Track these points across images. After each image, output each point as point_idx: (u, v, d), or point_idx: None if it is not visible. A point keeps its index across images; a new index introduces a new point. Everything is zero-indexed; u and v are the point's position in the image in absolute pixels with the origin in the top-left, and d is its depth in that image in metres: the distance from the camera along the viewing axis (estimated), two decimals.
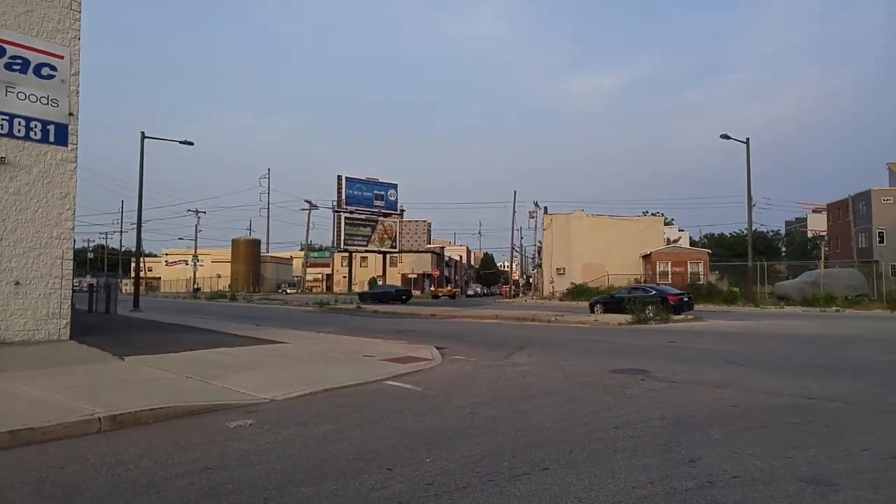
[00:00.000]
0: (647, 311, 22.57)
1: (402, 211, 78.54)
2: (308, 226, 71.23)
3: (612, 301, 28.83)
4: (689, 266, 48.23)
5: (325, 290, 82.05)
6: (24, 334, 12.49)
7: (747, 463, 5.18)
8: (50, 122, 12.99)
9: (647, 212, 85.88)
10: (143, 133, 29.96)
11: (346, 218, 70.04)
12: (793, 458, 5.33)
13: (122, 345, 12.69)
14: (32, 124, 12.75)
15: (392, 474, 5.01)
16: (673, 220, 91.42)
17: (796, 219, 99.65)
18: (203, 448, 5.94)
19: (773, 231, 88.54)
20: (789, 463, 5.20)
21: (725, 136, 38.35)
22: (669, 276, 47.45)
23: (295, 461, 5.47)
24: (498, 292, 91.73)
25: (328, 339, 16.56)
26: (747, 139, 39.06)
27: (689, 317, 25.39)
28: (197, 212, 77.08)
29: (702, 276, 47.18)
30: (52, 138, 13.02)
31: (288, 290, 79.10)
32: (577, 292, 48.26)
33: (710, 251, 53.60)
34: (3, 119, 12.32)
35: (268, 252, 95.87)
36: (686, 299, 28.23)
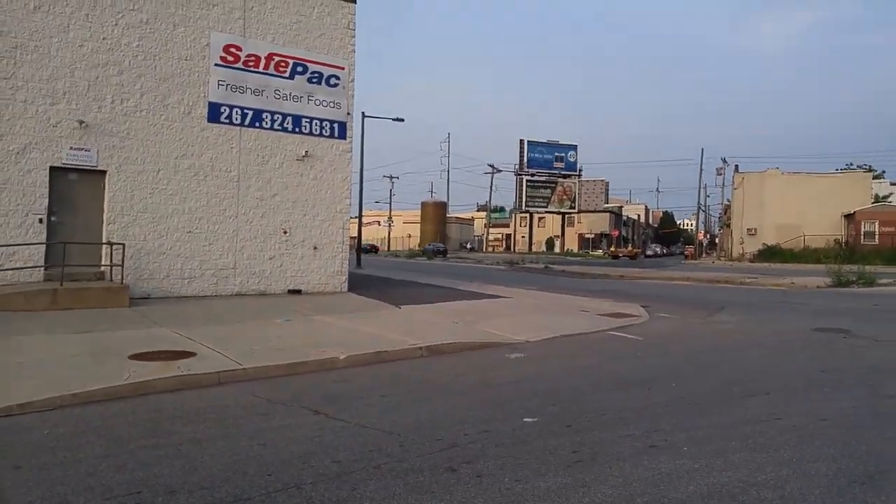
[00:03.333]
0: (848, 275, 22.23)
1: (581, 172, 79.05)
2: (491, 188, 74.94)
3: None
4: None
5: (505, 250, 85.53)
6: (318, 287, 16.40)
7: None
8: (335, 122, 16.66)
9: (851, 164, 77.36)
10: (363, 113, 34.44)
11: (527, 181, 72.35)
12: None
13: (386, 297, 16.05)
14: (324, 124, 16.48)
15: (651, 392, 7.14)
16: (884, 172, 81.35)
17: None
18: (504, 369, 8.51)
19: None
20: None
21: None
22: (876, 237, 43.80)
23: (577, 380, 7.84)
24: (679, 252, 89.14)
25: (539, 295, 18.96)
26: None
27: None
28: (391, 177, 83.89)
29: None
30: (336, 134, 16.68)
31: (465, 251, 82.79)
32: (769, 254, 46.33)
33: None
34: (306, 122, 16.17)
35: (447, 213, 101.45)
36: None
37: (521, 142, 72.73)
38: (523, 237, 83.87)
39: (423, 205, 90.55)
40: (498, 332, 11.40)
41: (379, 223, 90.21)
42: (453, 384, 7.66)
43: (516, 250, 78.15)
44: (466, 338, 10.60)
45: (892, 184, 78.84)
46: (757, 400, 6.69)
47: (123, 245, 13.23)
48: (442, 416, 6.06)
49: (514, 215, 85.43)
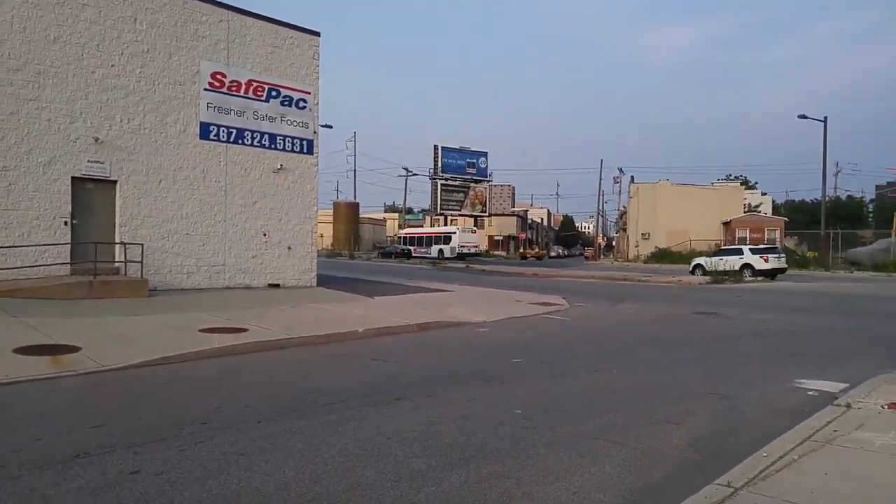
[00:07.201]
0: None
1: (491, 177, 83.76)
2: (405, 190, 78.14)
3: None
4: (766, 233, 51.51)
5: None
6: (293, 282, 18.97)
7: (755, 346, 10.51)
8: (303, 139, 19.29)
9: (730, 175, 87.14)
10: None
11: (441, 185, 76.02)
12: (774, 344, 10.64)
13: (354, 290, 18.85)
14: (295, 141, 19.07)
15: (585, 347, 10.61)
16: (756, 183, 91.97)
17: (888, 183, 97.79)
18: (478, 337, 11.70)
19: (859, 196, 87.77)
20: (770, 346, 10.52)
21: (803, 116, 41.07)
22: (748, 242, 51.03)
23: (535, 343, 11.15)
24: (580, 253, 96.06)
25: (475, 289, 22.32)
26: (825, 118, 41.56)
27: (759, 279, 29.76)
28: None
29: (777, 242, 50.33)
30: (304, 150, 19.32)
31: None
32: (660, 255, 52.51)
33: (786, 219, 56.40)
34: (280, 139, 18.74)
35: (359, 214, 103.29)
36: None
37: (436, 147, 76.30)
38: None
39: (336, 205, 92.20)
40: (460, 315, 14.56)
41: None
42: (449, 346, 10.77)
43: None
44: (440, 318, 13.71)
45: (763, 193, 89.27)
46: (649, 350, 10.32)
47: (142, 245, 15.37)
48: (457, 362, 9.17)
49: (428, 217, 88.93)
